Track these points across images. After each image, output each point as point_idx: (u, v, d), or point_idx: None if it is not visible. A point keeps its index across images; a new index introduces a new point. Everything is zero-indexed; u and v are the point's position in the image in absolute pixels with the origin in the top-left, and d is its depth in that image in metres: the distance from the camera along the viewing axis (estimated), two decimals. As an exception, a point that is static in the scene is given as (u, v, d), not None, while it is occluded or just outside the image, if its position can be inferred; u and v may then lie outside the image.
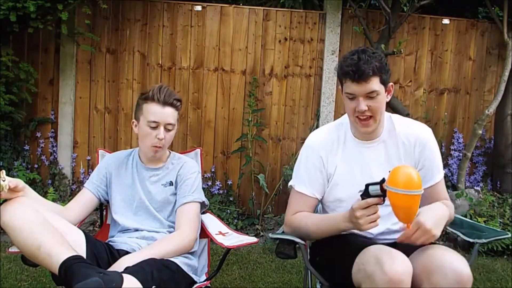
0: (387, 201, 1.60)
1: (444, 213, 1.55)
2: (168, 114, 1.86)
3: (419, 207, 1.48)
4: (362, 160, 1.73)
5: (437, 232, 1.47)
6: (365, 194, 1.49)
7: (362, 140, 1.75)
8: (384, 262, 1.37)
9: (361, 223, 1.48)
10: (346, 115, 1.80)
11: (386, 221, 1.73)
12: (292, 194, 1.81)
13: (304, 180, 1.77)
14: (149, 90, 1.86)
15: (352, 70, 1.58)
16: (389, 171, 1.45)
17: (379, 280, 1.36)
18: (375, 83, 1.60)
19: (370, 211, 1.48)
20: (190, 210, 1.88)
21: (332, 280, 1.68)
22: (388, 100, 1.69)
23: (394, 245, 1.62)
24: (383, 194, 1.45)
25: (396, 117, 1.79)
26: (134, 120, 1.94)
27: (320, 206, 1.91)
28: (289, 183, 1.83)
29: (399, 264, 1.38)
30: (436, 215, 1.51)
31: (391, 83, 1.69)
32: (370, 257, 1.43)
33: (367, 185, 1.50)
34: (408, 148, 1.73)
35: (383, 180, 1.45)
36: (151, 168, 1.96)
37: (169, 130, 1.88)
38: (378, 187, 1.46)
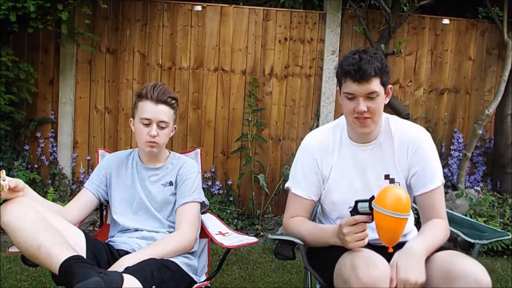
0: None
1: (419, 249, 1.46)
2: (161, 111, 1.85)
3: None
4: (357, 163, 1.71)
5: (419, 276, 1.39)
6: (354, 210, 1.45)
7: (358, 143, 1.72)
8: (358, 267, 1.36)
9: (348, 240, 1.44)
10: (343, 116, 1.77)
11: None
12: (289, 197, 1.80)
13: (300, 182, 1.77)
14: (143, 87, 1.87)
15: (354, 69, 1.56)
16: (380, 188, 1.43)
17: (354, 285, 1.35)
18: (375, 84, 1.58)
19: (358, 229, 1.43)
20: (190, 210, 1.88)
21: (328, 282, 1.68)
22: (386, 102, 1.67)
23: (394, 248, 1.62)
24: (371, 212, 1.40)
25: (393, 119, 1.76)
26: (131, 118, 1.94)
27: (319, 207, 1.90)
28: (286, 185, 1.83)
29: (374, 269, 1.36)
30: (413, 259, 1.43)
31: (390, 86, 1.67)
32: (347, 262, 1.42)
33: (356, 202, 1.45)
34: (402, 151, 1.70)
35: (372, 198, 1.40)
36: (151, 168, 1.96)
37: (163, 128, 1.86)
38: (367, 204, 1.41)
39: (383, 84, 1.62)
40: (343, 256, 1.45)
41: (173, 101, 1.88)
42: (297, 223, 1.73)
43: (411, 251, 1.45)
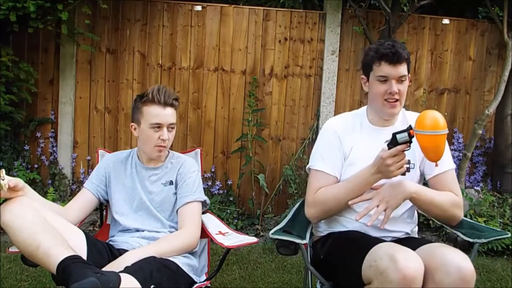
0: None
1: (407, 189, 1.65)
2: (169, 114, 1.87)
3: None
4: (377, 142, 1.76)
5: (391, 202, 1.63)
6: (392, 143, 1.60)
7: (378, 126, 1.83)
8: (397, 259, 1.38)
9: (392, 170, 1.60)
10: (363, 107, 1.91)
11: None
12: (311, 175, 1.85)
13: (323, 159, 1.82)
14: (148, 92, 1.85)
15: (392, 52, 1.71)
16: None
17: (392, 276, 1.37)
18: (405, 68, 1.75)
19: (400, 158, 1.60)
20: (192, 210, 1.89)
21: (334, 280, 1.68)
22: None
23: (397, 243, 1.63)
24: (410, 140, 1.58)
25: (407, 111, 1.90)
26: (132, 123, 1.93)
27: None
28: (307, 166, 1.88)
29: (412, 261, 1.40)
30: (397, 184, 1.66)
31: (409, 74, 1.81)
32: (383, 253, 1.44)
33: (394, 134, 1.60)
34: None
35: (409, 127, 1.58)
36: (151, 168, 1.96)
37: (171, 130, 1.89)
38: (406, 134, 1.58)
39: (408, 70, 1.78)
40: (374, 249, 1.48)
41: (177, 103, 1.90)
42: (327, 189, 1.78)
43: (400, 181, 1.67)
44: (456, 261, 1.42)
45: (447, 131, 1.57)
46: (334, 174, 1.80)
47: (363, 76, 1.85)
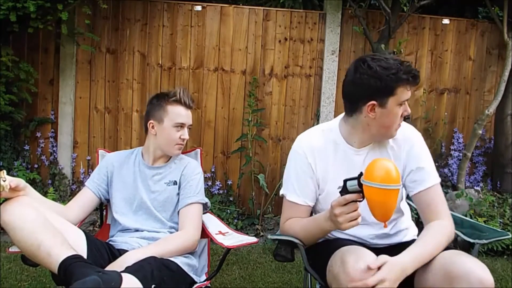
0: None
1: (405, 265, 1.39)
2: (190, 115, 1.99)
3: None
4: (352, 167, 1.65)
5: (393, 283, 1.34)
6: (344, 190, 1.39)
7: (354, 147, 1.68)
8: (347, 262, 1.35)
9: (340, 221, 1.39)
10: (333, 120, 1.76)
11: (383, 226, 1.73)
12: (284, 203, 1.75)
13: (294, 189, 1.70)
14: (175, 92, 1.94)
15: (416, 75, 1.55)
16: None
17: (342, 280, 1.34)
18: None
19: (349, 209, 1.38)
20: (194, 211, 1.90)
21: (326, 282, 1.67)
22: None
23: (390, 249, 1.61)
24: (361, 189, 1.34)
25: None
26: (151, 121, 1.95)
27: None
28: (280, 192, 1.77)
29: (361, 263, 1.34)
30: (394, 273, 1.36)
31: None
32: (337, 258, 1.42)
33: (345, 181, 1.39)
34: (397, 150, 1.68)
35: (361, 174, 1.35)
36: (154, 167, 1.97)
37: (189, 130, 1.99)
38: (355, 182, 1.35)
39: None
40: (335, 254, 1.45)
41: (194, 105, 2.02)
42: (291, 224, 1.69)
43: (397, 264, 1.39)
44: (478, 273, 1.37)
45: (400, 186, 1.35)
46: (306, 204, 1.69)
47: (373, 102, 1.56)
